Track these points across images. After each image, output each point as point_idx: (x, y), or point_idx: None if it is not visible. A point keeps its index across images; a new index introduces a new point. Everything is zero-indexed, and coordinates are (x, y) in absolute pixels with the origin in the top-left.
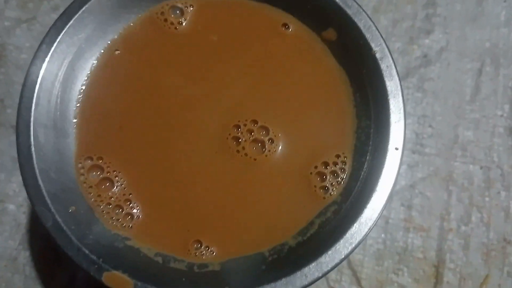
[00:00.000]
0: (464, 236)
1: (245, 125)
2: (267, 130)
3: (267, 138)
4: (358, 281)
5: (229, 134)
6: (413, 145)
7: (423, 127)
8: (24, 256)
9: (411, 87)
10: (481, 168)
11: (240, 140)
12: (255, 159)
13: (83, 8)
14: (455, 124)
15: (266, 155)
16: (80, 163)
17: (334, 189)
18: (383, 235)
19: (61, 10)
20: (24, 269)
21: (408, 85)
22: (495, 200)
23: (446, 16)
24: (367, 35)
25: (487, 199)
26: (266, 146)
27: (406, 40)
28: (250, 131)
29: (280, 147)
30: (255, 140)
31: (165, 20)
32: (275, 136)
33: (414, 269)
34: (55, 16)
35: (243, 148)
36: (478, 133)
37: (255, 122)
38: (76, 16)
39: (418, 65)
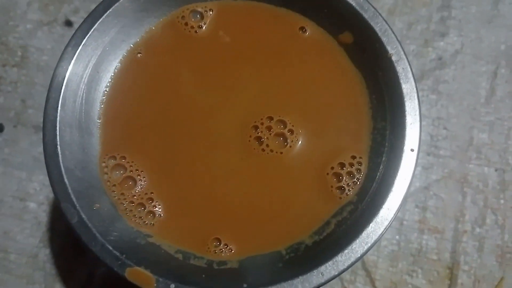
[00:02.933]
0: (479, 238)
1: (262, 123)
2: (284, 123)
3: (286, 130)
4: (372, 282)
5: (250, 136)
6: (427, 147)
7: (438, 129)
8: (45, 254)
9: (426, 89)
10: (496, 170)
11: (262, 139)
12: (281, 153)
13: (107, 12)
14: (469, 126)
15: (290, 146)
16: (104, 162)
17: (350, 189)
18: (397, 237)
19: (81, 13)
20: (45, 266)
21: (423, 88)
22: (510, 202)
23: (461, 19)
24: (383, 39)
25: (502, 201)
26: (288, 138)
27: (421, 42)
28: (269, 128)
29: (299, 142)
30: (276, 135)
31: (186, 24)
32: (293, 126)
33: (428, 270)
34: (75, 19)
35: (267, 145)
36: (493, 136)
37: (270, 118)
38: (100, 20)
39: (433, 67)
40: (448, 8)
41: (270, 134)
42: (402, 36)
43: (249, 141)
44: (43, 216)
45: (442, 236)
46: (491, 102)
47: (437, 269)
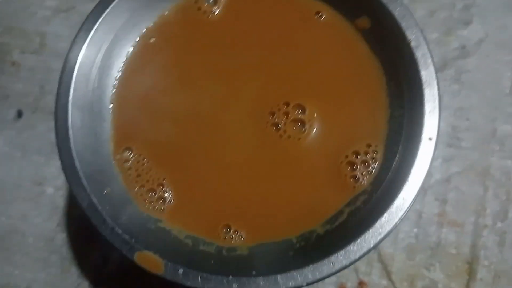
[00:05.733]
0: (500, 233)
1: (279, 109)
2: (301, 107)
3: (303, 115)
4: (388, 274)
5: (267, 123)
6: (449, 138)
7: (460, 120)
8: (61, 238)
9: (448, 79)
10: None
11: (279, 125)
12: (299, 139)
13: None
14: (493, 117)
15: (307, 132)
16: (116, 146)
17: (365, 178)
18: (415, 229)
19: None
20: (61, 249)
21: (445, 77)
22: None
23: (485, 6)
24: (402, 24)
25: None
26: (306, 123)
27: (443, 30)
28: (286, 113)
29: (315, 128)
30: (293, 121)
31: (199, 8)
32: (309, 111)
33: (446, 264)
34: (93, 5)
35: (285, 131)
36: None
37: (287, 104)
38: (112, 4)
39: (455, 56)
40: None
41: (287, 119)
42: (423, 24)
43: (266, 127)
44: (60, 201)
45: (462, 230)
46: None
47: (456, 263)
